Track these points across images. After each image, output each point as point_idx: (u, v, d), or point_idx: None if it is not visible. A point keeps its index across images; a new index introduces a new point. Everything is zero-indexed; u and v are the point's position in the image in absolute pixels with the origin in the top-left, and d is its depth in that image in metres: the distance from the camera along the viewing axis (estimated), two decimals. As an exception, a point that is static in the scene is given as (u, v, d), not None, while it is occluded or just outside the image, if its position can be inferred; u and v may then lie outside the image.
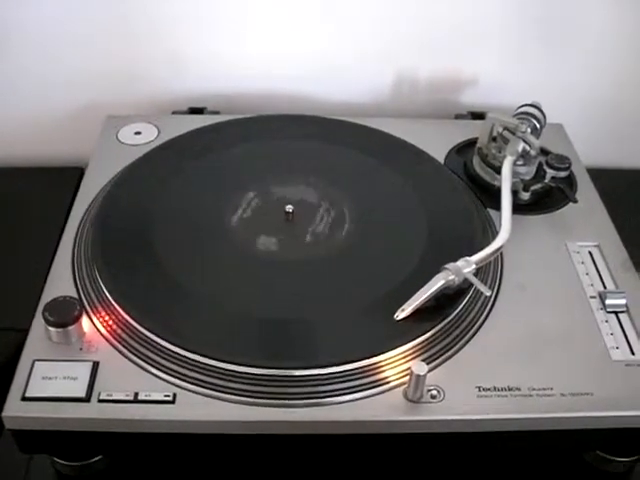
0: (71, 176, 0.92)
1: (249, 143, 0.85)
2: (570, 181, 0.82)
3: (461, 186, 0.81)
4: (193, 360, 0.61)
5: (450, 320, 0.65)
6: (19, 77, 0.94)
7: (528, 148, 0.78)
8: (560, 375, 0.63)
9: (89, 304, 0.66)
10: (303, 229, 0.74)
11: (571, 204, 0.79)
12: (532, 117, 0.81)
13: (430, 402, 0.60)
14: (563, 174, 0.80)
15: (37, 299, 0.67)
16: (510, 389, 0.61)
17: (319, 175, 0.81)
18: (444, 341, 0.64)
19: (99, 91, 0.96)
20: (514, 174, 0.77)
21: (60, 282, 0.68)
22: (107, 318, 0.65)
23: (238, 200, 0.77)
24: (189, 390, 0.60)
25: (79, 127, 0.96)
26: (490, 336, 0.66)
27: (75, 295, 0.66)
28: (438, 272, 0.66)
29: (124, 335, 0.63)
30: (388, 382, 0.61)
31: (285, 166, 0.82)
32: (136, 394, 0.59)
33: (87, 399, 0.59)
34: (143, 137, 0.87)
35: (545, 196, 0.80)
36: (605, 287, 0.71)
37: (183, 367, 0.61)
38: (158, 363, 0.61)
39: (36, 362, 0.61)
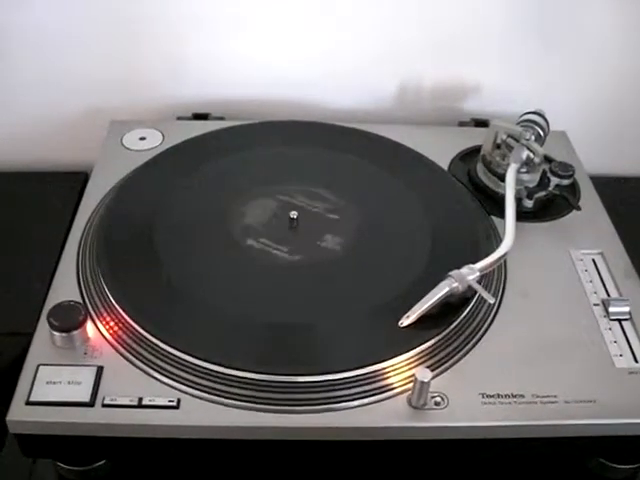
0: (76, 181, 0.93)
1: (253, 149, 0.85)
2: (573, 189, 0.82)
3: (465, 193, 0.81)
4: (198, 366, 0.61)
5: (454, 327, 0.66)
6: (24, 82, 0.95)
7: (532, 156, 0.78)
8: (564, 382, 0.63)
9: (93, 309, 0.66)
10: (308, 235, 0.74)
11: (575, 212, 0.79)
12: (536, 125, 0.81)
13: (434, 409, 0.60)
14: (567, 182, 0.80)
15: (41, 303, 0.67)
16: (514, 396, 0.62)
17: (323, 181, 0.81)
18: (448, 348, 0.64)
19: (104, 96, 0.96)
20: (518, 182, 0.78)
21: (64, 287, 0.68)
22: (111, 323, 0.65)
23: (243, 206, 0.77)
24: (193, 396, 0.60)
25: (84, 132, 0.96)
26: (494, 343, 0.66)
27: (79, 300, 0.67)
28: (442, 279, 0.66)
29: (128, 340, 0.64)
30: (392, 389, 0.61)
31: (288, 172, 0.82)
32: (140, 399, 0.59)
33: (91, 404, 0.59)
34: (148, 142, 0.87)
35: (549, 204, 0.80)
36: (608, 295, 0.72)
37: (187, 372, 0.61)
38: (162, 368, 0.61)
39: (40, 366, 0.61)
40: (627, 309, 0.69)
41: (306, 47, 0.94)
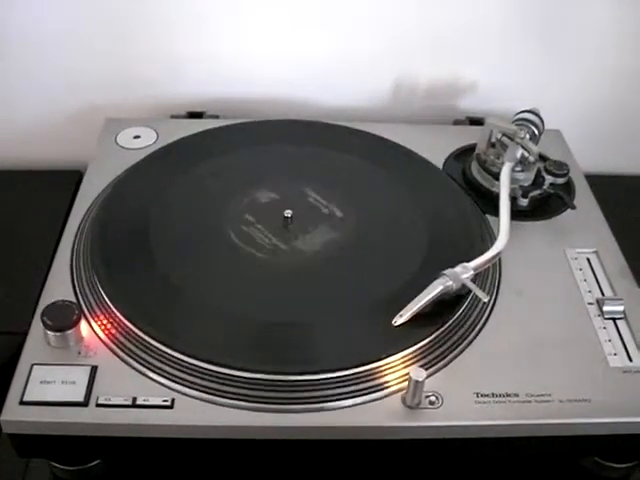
0: (70, 179, 0.92)
1: (248, 148, 0.85)
2: (568, 187, 0.82)
3: (459, 192, 0.81)
4: (192, 364, 0.61)
5: (448, 326, 0.66)
6: (17, 80, 0.94)
7: (527, 154, 0.78)
8: (558, 381, 0.63)
9: (88, 308, 0.66)
10: (302, 234, 0.74)
11: (569, 210, 0.79)
12: (531, 123, 0.81)
13: (428, 408, 0.60)
14: (561, 180, 0.80)
15: (35, 303, 0.67)
16: (508, 395, 0.62)
17: (317, 180, 0.81)
18: (442, 347, 0.64)
19: (98, 94, 0.95)
20: (512, 180, 0.78)
21: (59, 286, 0.68)
22: (105, 322, 0.65)
23: (237, 204, 0.77)
24: (187, 395, 0.60)
25: (78, 130, 0.96)
26: (488, 342, 0.66)
27: (74, 299, 0.66)
28: (436, 278, 0.66)
29: (122, 339, 0.63)
30: (386, 388, 0.61)
31: (283, 171, 0.82)
32: (134, 399, 0.59)
33: (85, 403, 0.59)
34: (142, 141, 0.87)
35: (543, 202, 0.80)
36: (603, 294, 0.72)
37: (182, 371, 0.61)
38: (157, 367, 0.61)
39: (34, 366, 0.61)
40: (621, 308, 0.69)
41: (302, 45, 0.94)
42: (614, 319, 0.69)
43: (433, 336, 0.64)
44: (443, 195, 0.80)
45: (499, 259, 0.72)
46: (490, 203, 0.79)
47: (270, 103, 0.98)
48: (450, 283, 0.65)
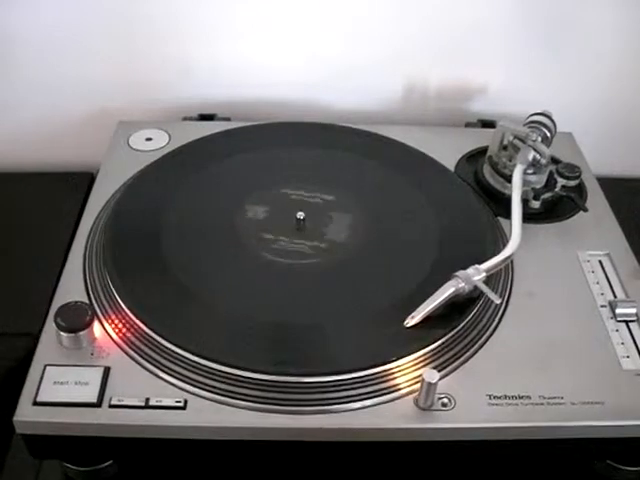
0: (82, 181, 0.93)
1: (260, 150, 0.85)
2: (580, 190, 0.82)
3: (471, 194, 0.81)
4: (204, 366, 0.61)
5: (461, 328, 0.65)
6: (30, 84, 0.95)
7: (539, 157, 0.78)
8: (570, 384, 0.63)
9: (100, 309, 0.66)
10: (315, 236, 0.74)
11: (581, 213, 0.79)
12: (543, 126, 0.81)
13: (441, 410, 0.60)
14: (573, 183, 0.80)
15: (48, 304, 0.67)
16: (520, 397, 0.61)
17: (329, 182, 0.81)
18: (455, 349, 0.64)
19: (110, 97, 0.96)
20: (524, 183, 0.77)
21: (71, 287, 0.68)
22: (118, 323, 0.65)
23: (249, 206, 0.77)
24: (200, 396, 0.60)
25: (90, 133, 0.96)
26: (500, 344, 0.66)
27: (86, 300, 0.67)
28: (448, 280, 0.66)
29: (135, 340, 0.64)
30: (399, 389, 0.61)
31: (295, 173, 0.82)
32: (147, 400, 0.60)
33: (98, 404, 0.59)
34: (154, 143, 0.87)
35: (555, 205, 0.80)
36: (615, 296, 0.71)
37: (194, 373, 0.61)
38: (169, 369, 0.62)
39: (47, 367, 0.61)
40: (634, 310, 0.69)
41: (313, 48, 0.94)
42: (627, 321, 0.69)
43: (445, 338, 0.64)
44: (455, 197, 0.80)
45: (511, 261, 0.72)
46: (502, 205, 0.79)
47: (281, 106, 0.98)
48: (462, 285, 0.65)
